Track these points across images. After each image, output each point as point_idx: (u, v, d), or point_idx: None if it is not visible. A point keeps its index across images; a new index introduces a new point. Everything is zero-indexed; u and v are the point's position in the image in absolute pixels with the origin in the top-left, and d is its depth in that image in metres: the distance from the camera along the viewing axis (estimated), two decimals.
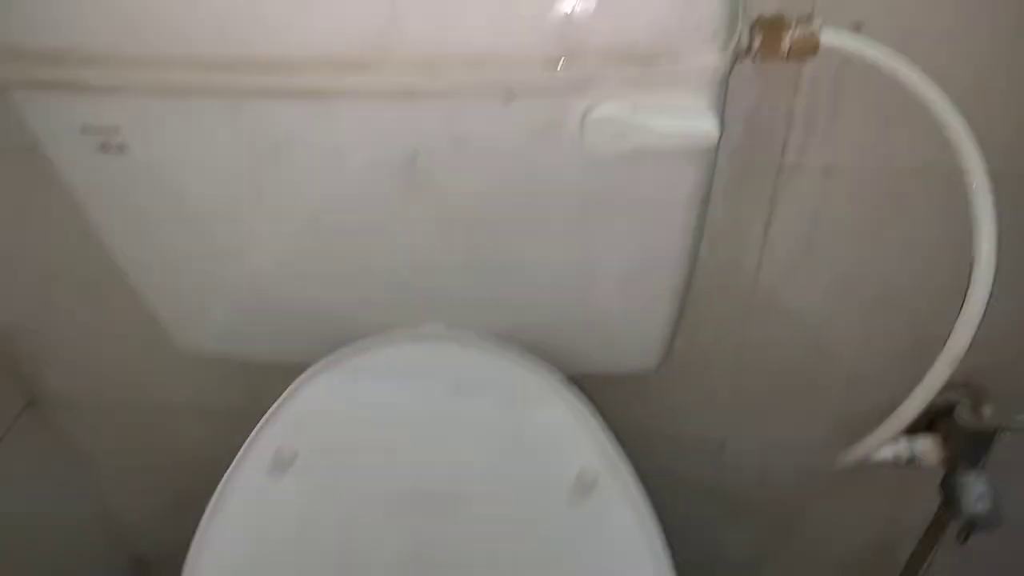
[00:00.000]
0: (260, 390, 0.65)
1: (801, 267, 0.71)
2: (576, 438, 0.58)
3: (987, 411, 0.74)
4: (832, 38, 0.50)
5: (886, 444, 0.69)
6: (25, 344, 0.88)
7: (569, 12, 0.44)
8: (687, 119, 0.47)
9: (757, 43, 0.49)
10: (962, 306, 0.55)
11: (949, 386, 0.60)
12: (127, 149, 0.53)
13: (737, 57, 0.47)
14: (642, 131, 0.48)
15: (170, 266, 0.60)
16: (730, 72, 0.47)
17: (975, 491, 0.73)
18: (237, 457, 0.60)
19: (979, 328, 0.56)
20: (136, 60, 0.49)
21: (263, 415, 0.62)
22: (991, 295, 0.54)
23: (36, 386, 0.92)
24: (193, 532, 0.61)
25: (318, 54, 0.47)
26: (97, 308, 0.82)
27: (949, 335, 0.57)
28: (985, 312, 0.55)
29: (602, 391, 0.65)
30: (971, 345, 0.56)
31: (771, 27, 0.49)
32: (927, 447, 0.73)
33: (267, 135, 0.51)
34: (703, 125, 0.47)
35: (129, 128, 0.52)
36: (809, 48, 0.50)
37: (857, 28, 0.54)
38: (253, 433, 0.60)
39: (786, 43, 0.49)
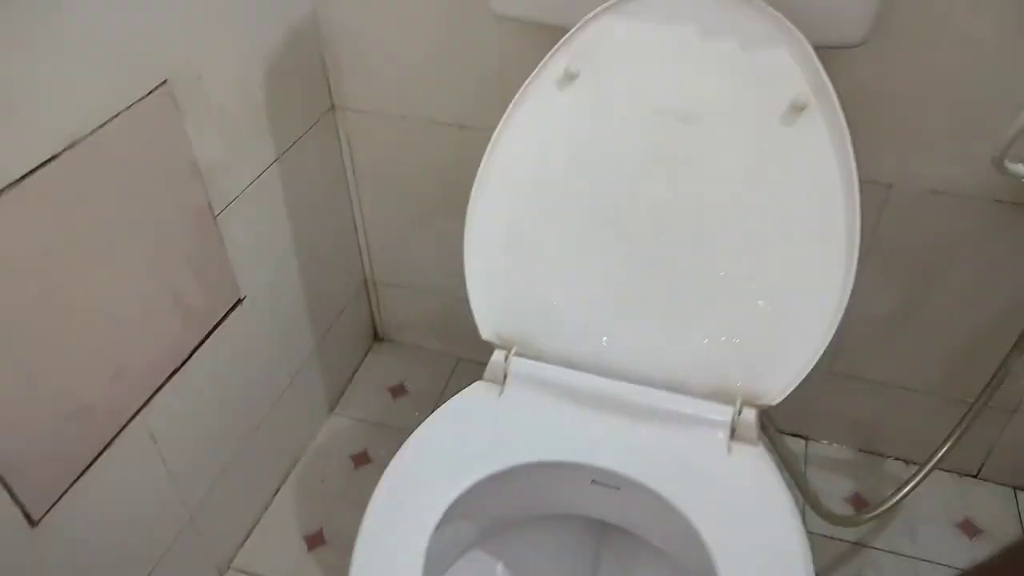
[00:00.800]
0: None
1: None
2: (796, 72, 0.76)
3: None
4: None
5: None
6: (337, 50, 1.13)
7: None
8: None
9: None
10: None
11: None
12: None
13: None
14: None
15: None
16: None
17: None
18: (533, 73, 0.82)
19: None
20: None
21: None
22: None
23: (337, 91, 1.18)
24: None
25: None
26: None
27: None
28: None
29: None
30: None
31: None
32: None
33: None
34: None
35: None
36: None
37: None
38: (547, 55, 0.81)
39: None
